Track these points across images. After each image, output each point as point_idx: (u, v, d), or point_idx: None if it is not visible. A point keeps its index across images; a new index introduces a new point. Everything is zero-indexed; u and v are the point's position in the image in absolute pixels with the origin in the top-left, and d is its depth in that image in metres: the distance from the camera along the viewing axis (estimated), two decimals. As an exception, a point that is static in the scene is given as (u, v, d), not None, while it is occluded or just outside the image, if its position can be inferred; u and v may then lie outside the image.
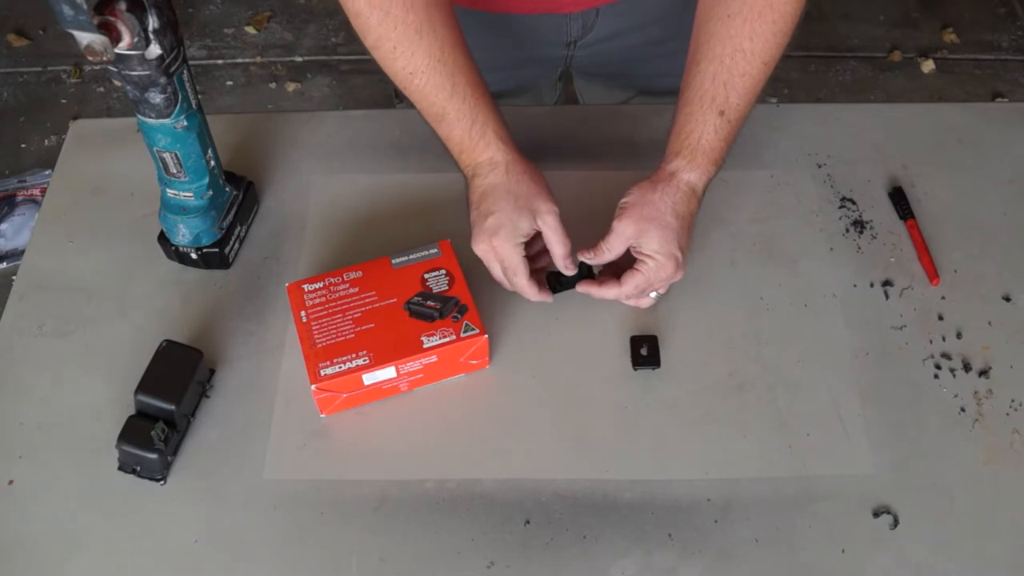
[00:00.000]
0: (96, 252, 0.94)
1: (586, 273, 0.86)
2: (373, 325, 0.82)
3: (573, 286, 0.86)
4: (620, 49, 1.06)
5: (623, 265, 0.84)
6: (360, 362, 0.80)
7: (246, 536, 0.77)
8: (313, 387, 0.79)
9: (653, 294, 0.85)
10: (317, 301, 0.84)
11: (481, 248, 0.83)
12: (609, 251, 0.83)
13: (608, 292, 0.84)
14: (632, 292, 0.83)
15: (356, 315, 0.83)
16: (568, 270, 0.85)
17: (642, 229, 0.81)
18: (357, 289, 0.84)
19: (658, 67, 1.07)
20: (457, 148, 0.85)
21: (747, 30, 0.78)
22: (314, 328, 0.82)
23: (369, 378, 0.80)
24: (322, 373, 0.79)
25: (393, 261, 0.87)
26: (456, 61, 0.82)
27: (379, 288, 0.84)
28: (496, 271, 0.84)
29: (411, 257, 0.87)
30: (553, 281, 0.87)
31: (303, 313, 0.83)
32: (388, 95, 1.21)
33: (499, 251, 0.82)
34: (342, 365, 0.80)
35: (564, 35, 1.05)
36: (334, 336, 0.81)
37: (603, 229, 0.83)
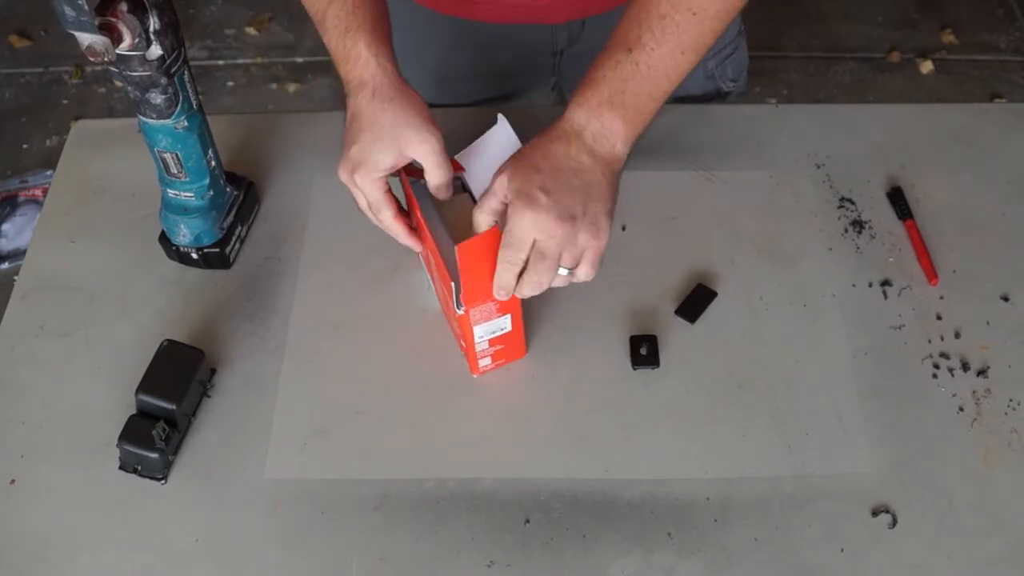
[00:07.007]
0: (97, 252, 0.94)
1: None
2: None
3: None
4: None
5: None
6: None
7: (247, 535, 0.77)
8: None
9: (563, 271, 0.74)
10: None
11: (344, 177, 0.79)
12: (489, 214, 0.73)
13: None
14: (512, 242, 0.71)
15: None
16: (440, 194, 0.79)
17: (505, 172, 0.72)
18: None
19: None
20: (334, 59, 0.80)
21: None
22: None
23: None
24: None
25: None
26: None
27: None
28: (361, 203, 0.80)
29: None
30: None
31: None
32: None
33: (360, 185, 0.78)
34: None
35: (550, 45, 1.05)
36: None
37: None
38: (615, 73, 0.72)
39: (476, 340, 0.80)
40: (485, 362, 0.83)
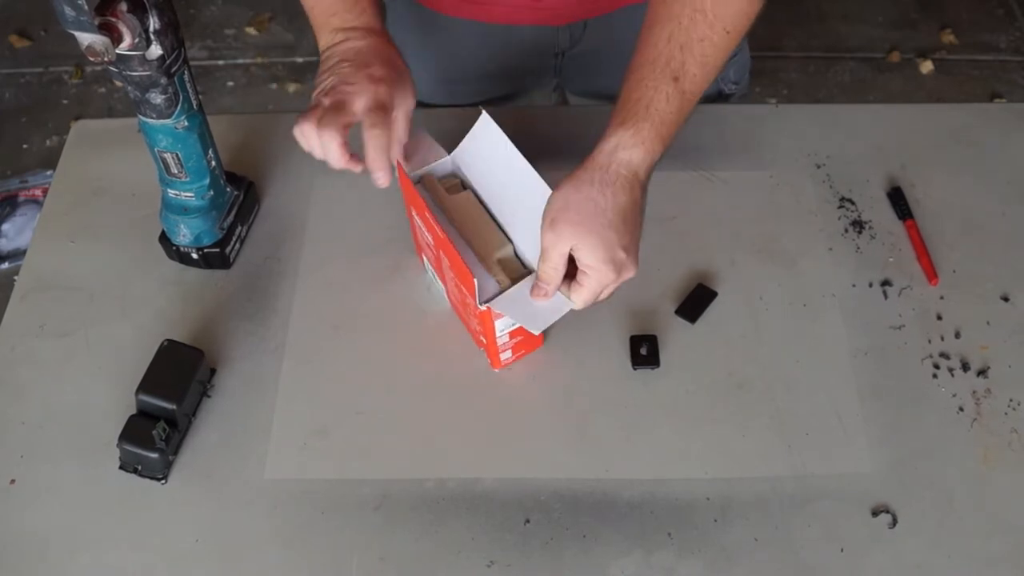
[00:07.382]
0: (97, 252, 0.94)
1: None
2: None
3: None
4: (609, 59, 1.06)
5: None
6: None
7: (247, 535, 0.77)
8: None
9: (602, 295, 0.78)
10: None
11: (328, 80, 0.75)
12: (554, 273, 0.75)
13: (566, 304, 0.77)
14: (589, 300, 0.76)
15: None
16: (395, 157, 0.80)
17: (575, 235, 0.72)
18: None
19: None
20: (329, 11, 0.80)
21: None
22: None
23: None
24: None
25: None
26: None
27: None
28: (323, 101, 0.75)
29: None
30: None
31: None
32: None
33: (355, 80, 0.75)
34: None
35: (552, 46, 1.05)
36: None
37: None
38: (668, 106, 0.73)
39: (498, 334, 0.80)
40: (506, 355, 0.84)
